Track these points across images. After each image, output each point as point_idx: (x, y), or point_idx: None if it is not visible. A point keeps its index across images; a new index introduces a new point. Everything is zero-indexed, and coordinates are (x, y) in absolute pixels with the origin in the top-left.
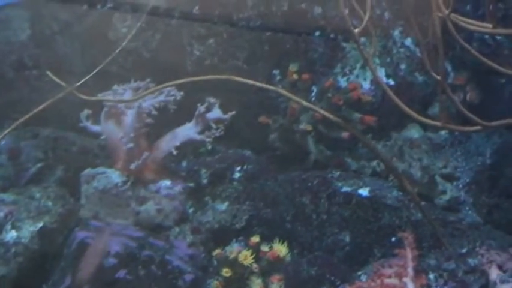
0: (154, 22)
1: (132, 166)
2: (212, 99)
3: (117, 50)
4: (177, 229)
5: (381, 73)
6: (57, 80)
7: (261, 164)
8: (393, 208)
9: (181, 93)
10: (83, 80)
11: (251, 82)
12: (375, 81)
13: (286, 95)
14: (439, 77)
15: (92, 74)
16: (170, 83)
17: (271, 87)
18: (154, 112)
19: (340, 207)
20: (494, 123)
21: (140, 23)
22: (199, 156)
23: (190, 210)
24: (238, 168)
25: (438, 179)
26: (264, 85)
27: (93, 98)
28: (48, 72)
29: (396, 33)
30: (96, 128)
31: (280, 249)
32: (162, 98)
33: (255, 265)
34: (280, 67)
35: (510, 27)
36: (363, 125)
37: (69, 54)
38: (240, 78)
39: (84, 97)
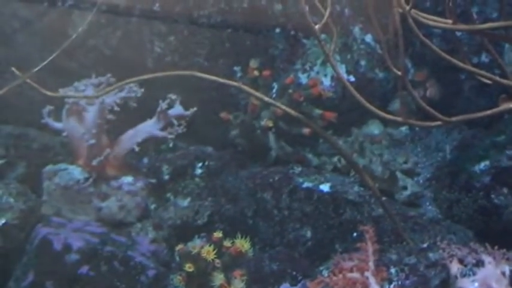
0: (115, 19)
1: (94, 162)
2: (173, 96)
3: (70, 39)
4: (139, 225)
5: (342, 70)
6: (16, 71)
7: (222, 160)
8: (354, 203)
9: (142, 89)
10: (38, 68)
11: (213, 78)
12: (336, 78)
13: (248, 91)
14: (399, 73)
15: (48, 61)
16: (134, 79)
17: (233, 83)
18: (116, 108)
19: (302, 203)
20: (454, 119)
21: (93, 13)
22: (160, 152)
23: (152, 207)
24: (200, 164)
25: (399, 174)
26: (225, 81)
27: (57, 95)
28: (13, 69)
29: (356, 29)
30: (58, 124)
31: (243, 244)
32: (123, 94)
33: (217, 260)
34: (240, 64)
35: (469, 23)
36: (323, 121)
37: (30, 52)
38: (202, 74)
39: (48, 93)
